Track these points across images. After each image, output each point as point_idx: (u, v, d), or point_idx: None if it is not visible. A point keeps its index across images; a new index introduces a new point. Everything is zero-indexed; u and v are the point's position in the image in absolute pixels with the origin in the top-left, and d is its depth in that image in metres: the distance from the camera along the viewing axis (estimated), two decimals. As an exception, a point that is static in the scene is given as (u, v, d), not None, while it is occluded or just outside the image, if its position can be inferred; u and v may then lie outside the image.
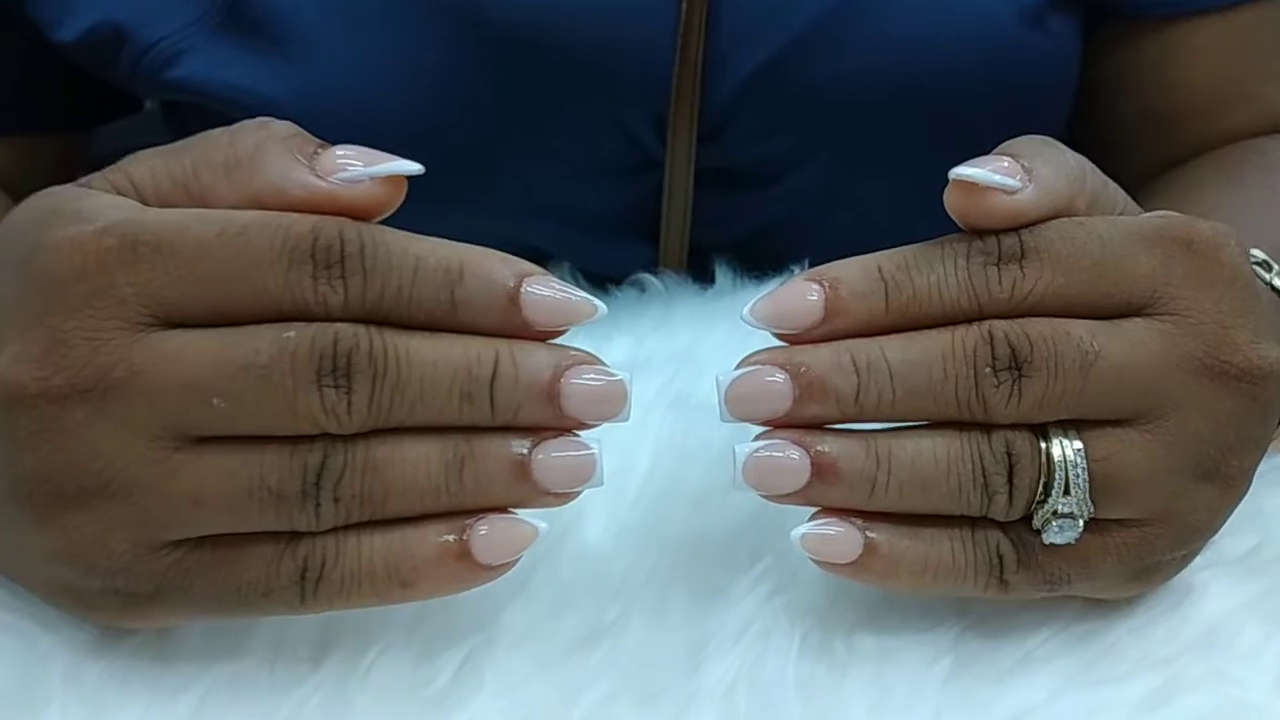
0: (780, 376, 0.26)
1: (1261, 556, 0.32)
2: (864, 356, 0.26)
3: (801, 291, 0.27)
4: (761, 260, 0.45)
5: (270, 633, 0.28)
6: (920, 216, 0.29)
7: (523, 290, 0.25)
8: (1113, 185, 0.29)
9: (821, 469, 0.26)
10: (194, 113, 0.44)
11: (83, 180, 0.27)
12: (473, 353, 0.25)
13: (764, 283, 0.44)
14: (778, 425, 0.27)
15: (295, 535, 0.25)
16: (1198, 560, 0.30)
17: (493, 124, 0.42)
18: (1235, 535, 0.32)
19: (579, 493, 0.26)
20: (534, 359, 0.25)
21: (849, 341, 0.27)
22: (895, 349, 0.26)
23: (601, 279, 0.46)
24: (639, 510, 0.32)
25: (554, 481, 0.26)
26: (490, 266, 0.25)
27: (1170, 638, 0.29)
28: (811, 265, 0.41)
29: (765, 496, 0.27)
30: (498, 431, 0.26)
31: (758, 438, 0.27)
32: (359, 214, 0.25)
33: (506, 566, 0.26)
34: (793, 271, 0.43)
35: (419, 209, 0.27)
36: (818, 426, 0.27)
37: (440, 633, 0.28)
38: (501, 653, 0.28)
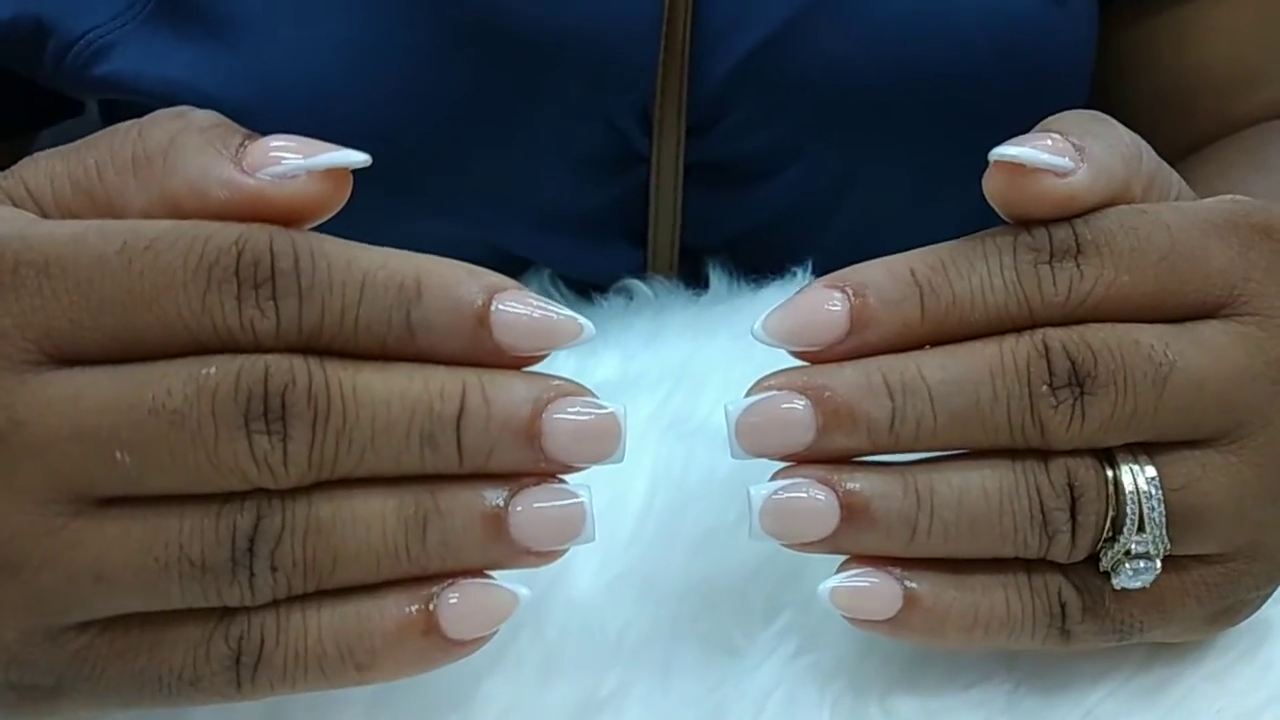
0: (800, 403, 0.23)
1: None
2: (899, 377, 0.22)
3: (822, 301, 0.23)
4: (758, 262, 0.41)
5: (208, 717, 0.24)
6: (932, 210, 0.25)
7: (493, 309, 0.21)
8: (1167, 168, 0.26)
9: (853, 511, 0.22)
10: (132, 113, 0.39)
11: None
12: (435, 387, 0.21)
13: (762, 286, 0.40)
14: (799, 460, 0.23)
15: (227, 611, 0.21)
16: (1275, 594, 0.26)
17: (464, 116, 0.38)
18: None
19: (564, 550, 0.22)
20: (510, 391, 0.21)
21: (880, 359, 0.23)
22: (934, 366, 0.22)
23: (586, 286, 0.42)
24: (634, 554, 0.28)
25: (535, 538, 0.22)
26: (454, 281, 0.21)
27: (1252, 687, 0.26)
28: (815, 267, 0.39)
29: (786, 545, 0.23)
30: (467, 480, 0.22)
31: (775, 475, 0.23)
32: (294, 218, 0.21)
33: (481, 641, 0.22)
34: (794, 274, 0.40)
35: (379, 213, 0.23)
36: (845, 460, 0.23)
37: (408, 711, 0.24)
38: (482, 733, 0.24)
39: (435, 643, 0.21)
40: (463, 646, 0.22)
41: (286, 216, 0.21)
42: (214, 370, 0.20)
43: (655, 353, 0.37)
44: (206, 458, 0.20)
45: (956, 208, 0.24)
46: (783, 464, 0.24)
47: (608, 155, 0.40)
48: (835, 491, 0.23)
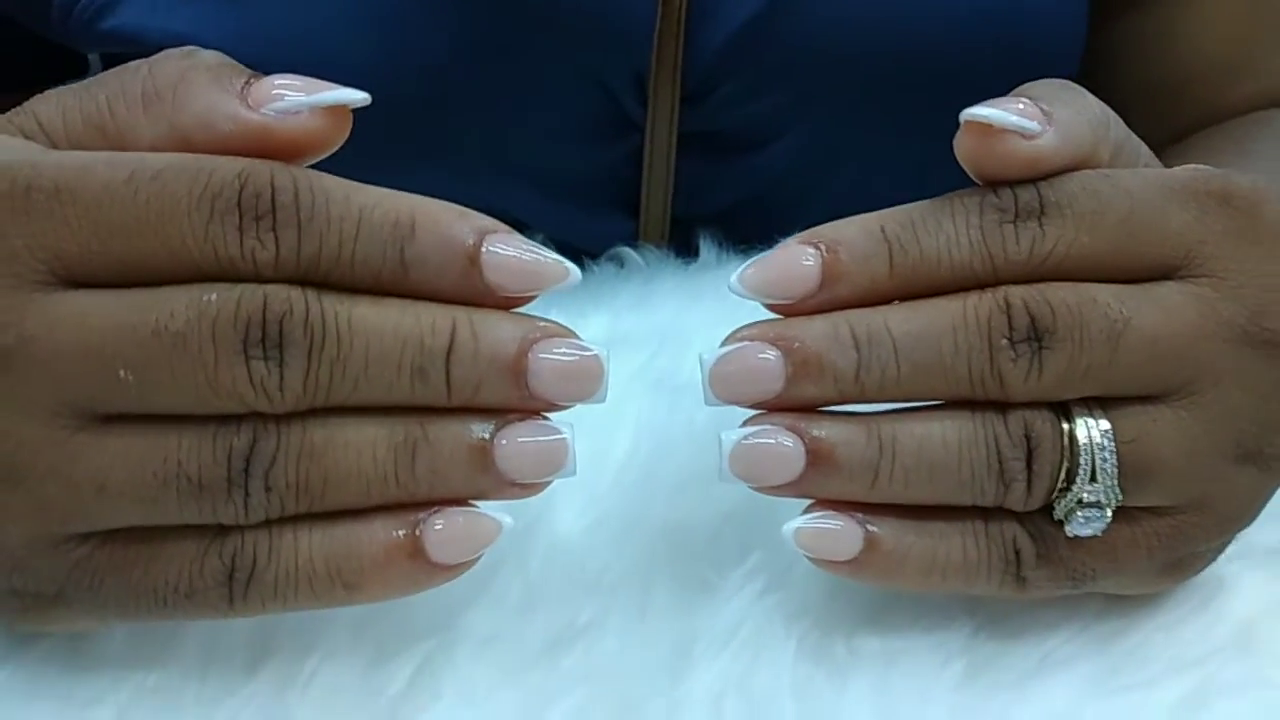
0: (772, 353, 0.24)
1: (1294, 549, 0.29)
2: (865, 329, 0.23)
3: (796, 256, 0.24)
4: (748, 233, 0.42)
5: (200, 636, 0.25)
6: (919, 184, 0.26)
7: (484, 249, 0.22)
8: (1136, 138, 0.27)
9: (818, 457, 0.23)
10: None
11: None
12: (426, 321, 0.22)
13: (750, 256, 0.41)
14: (769, 408, 0.24)
15: (222, 529, 0.22)
16: (1226, 552, 0.28)
17: (463, 74, 0.39)
18: (1265, 525, 0.29)
19: (548, 483, 0.23)
20: (497, 330, 0.22)
21: (848, 312, 0.24)
22: (900, 320, 0.23)
23: (578, 252, 0.43)
24: (616, 499, 0.30)
25: (519, 470, 0.23)
26: (447, 220, 0.22)
27: (1201, 637, 0.27)
28: (804, 233, 0.40)
29: (755, 488, 0.24)
30: (455, 413, 0.23)
31: (746, 422, 0.24)
32: (296, 152, 0.22)
33: (465, 566, 0.23)
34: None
35: (377, 167, 0.24)
36: (813, 409, 0.24)
37: (392, 636, 0.25)
38: (463, 658, 0.25)
39: (420, 566, 0.23)
40: (447, 571, 0.23)
41: (289, 151, 0.22)
42: (215, 297, 0.21)
43: (643, 315, 0.38)
44: (206, 380, 0.21)
45: (944, 181, 0.25)
46: (754, 412, 0.25)
47: (603, 122, 0.41)
48: (802, 438, 0.24)
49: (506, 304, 0.23)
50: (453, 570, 0.23)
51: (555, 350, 0.23)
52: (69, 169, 0.21)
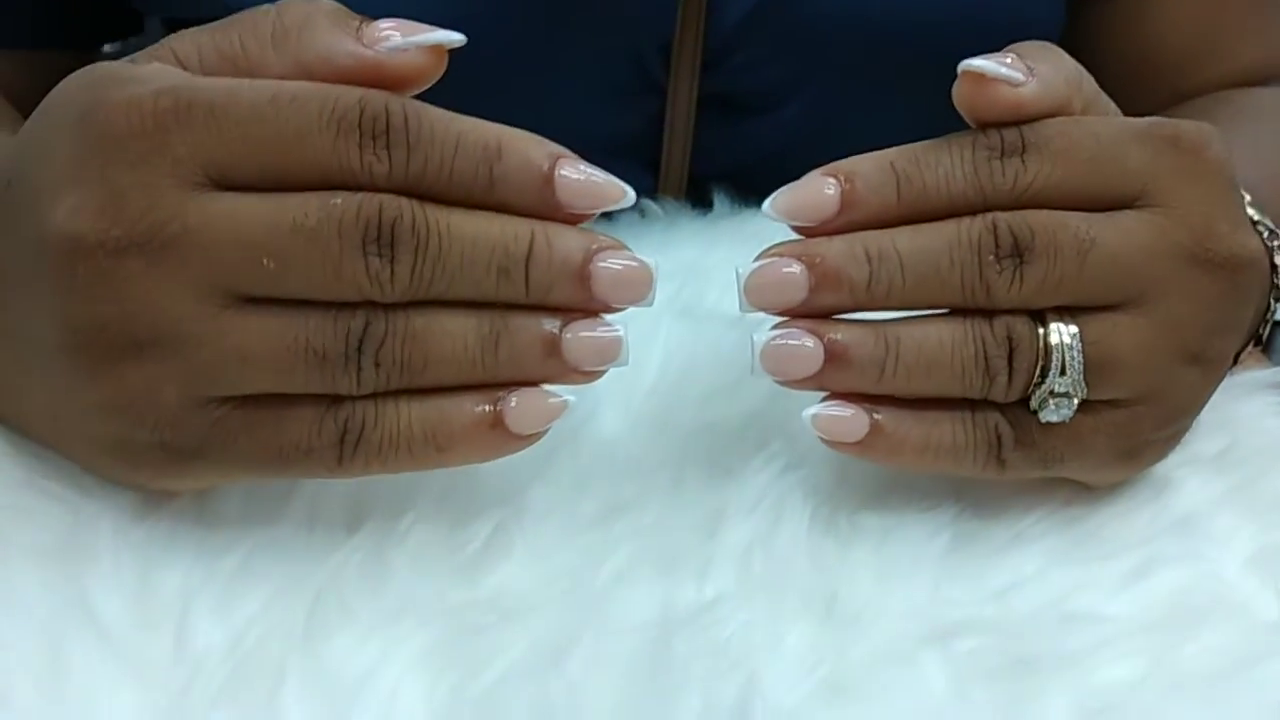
0: (797, 267, 0.28)
1: (1232, 457, 0.34)
2: (876, 247, 0.28)
3: (819, 186, 0.28)
4: (759, 189, 0.46)
5: (306, 500, 0.29)
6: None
7: (557, 171, 0.26)
8: (1105, 96, 0.31)
9: (834, 355, 0.28)
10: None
11: (126, 59, 0.27)
12: (510, 231, 0.26)
13: (759, 208, 0.45)
14: (793, 315, 0.28)
15: (336, 399, 0.26)
16: (1174, 458, 0.32)
17: (503, 42, 0.43)
18: (1208, 438, 0.34)
19: (605, 370, 0.28)
20: (567, 241, 0.27)
21: (862, 234, 0.28)
22: (905, 239, 0.28)
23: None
24: (651, 404, 0.34)
25: (582, 359, 0.27)
26: (527, 146, 0.26)
27: (1150, 522, 0.31)
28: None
29: (780, 382, 0.29)
30: (531, 310, 0.27)
31: (774, 327, 0.29)
32: (404, 83, 0.26)
33: (536, 437, 0.28)
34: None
35: None
36: (829, 316, 0.28)
37: (469, 504, 0.30)
38: (529, 524, 0.30)
39: (500, 434, 0.27)
40: (521, 440, 0.27)
41: (397, 83, 0.26)
42: (340, 201, 0.25)
43: (666, 255, 0.41)
44: (332, 269, 0.25)
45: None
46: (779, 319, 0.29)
47: (630, 86, 0.45)
48: (821, 339, 0.28)
49: (573, 219, 0.27)
50: (525, 440, 0.27)
51: (614, 259, 0.27)
52: (221, 90, 0.25)
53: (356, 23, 0.27)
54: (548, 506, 0.30)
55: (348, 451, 0.26)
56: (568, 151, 0.27)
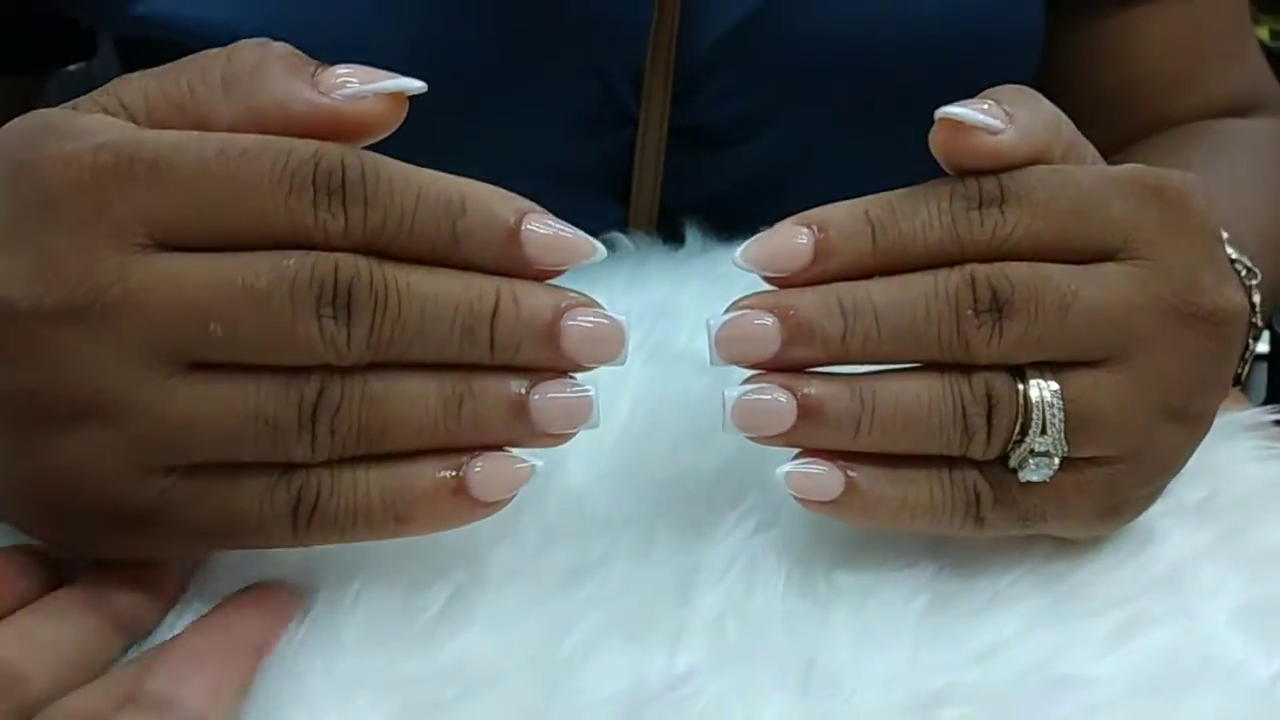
0: (769, 320, 0.27)
1: (1215, 504, 0.33)
2: (850, 299, 0.27)
3: (790, 235, 0.27)
4: (731, 222, 0.45)
5: (255, 566, 0.28)
6: (888, 178, 0.29)
7: (524, 226, 0.25)
8: (1084, 140, 0.30)
9: (808, 411, 0.27)
10: (155, 51, 0.43)
11: (69, 104, 0.26)
12: (474, 289, 0.25)
13: (734, 244, 0.44)
14: (765, 368, 0.27)
15: (290, 467, 0.25)
16: (1157, 508, 0.31)
17: (476, 67, 0.42)
18: (1191, 485, 0.33)
19: (574, 433, 0.27)
20: (535, 298, 0.26)
21: (836, 285, 0.27)
22: (880, 291, 0.27)
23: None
24: (620, 454, 0.33)
25: (551, 422, 0.26)
26: (492, 200, 0.25)
27: (1134, 578, 0.30)
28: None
29: (752, 438, 0.28)
30: (496, 371, 0.26)
31: (745, 381, 0.28)
32: (362, 131, 0.25)
33: (502, 503, 0.26)
34: (765, 230, 0.44)
35: (375, 149, 0.27)
36: (803, 370, 0.27)
37: (426, 567, 0.28)
38: (490, 588, 0.28)
39: (463, 501, 0.26)
40: (486, 507, 0.26)
41: (355, 131, 0.25)
42: (292, 262, 0.24)
43: (637, 294, 0.41)
44: (284, 334, 0.24)
45: (910, 174, 0.28)
46: (753, 372, 0.28)
47: (600, 114, 0.44)
48: (794, 394, 0.27)
49: (541, 276, 0.26)
50: (491, 506, 0.26)
51: (584, 318, 0.26)
52: (165, 144, 0.24)
53: (312, 68, 0.26)
54: (510, 568, 0.29)
55: (302, 522, 0.25)
56: (534, 205, 0.26)
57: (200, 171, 0.24)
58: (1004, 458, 0.28)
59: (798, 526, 0.30)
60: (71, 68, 0.54)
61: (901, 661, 0.28)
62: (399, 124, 0.26)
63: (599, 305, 0.26)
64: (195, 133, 0.24)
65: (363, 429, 0.25)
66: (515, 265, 0.25)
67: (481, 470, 0.26)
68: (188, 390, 0.24)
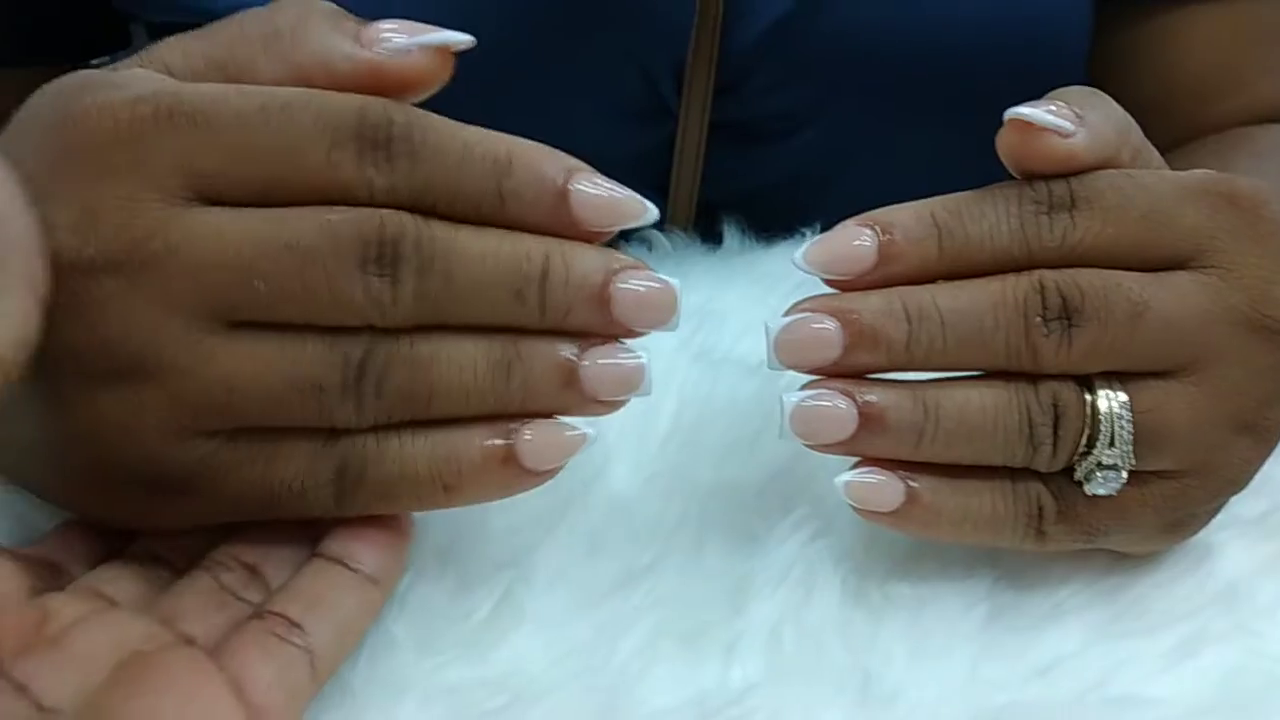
0: (830, 324, 0.26)
1: (1274, 519, 0.32)
2: (915, 304, 0.26)
3: (854, 236, 0.27)
4: (769, 220, 0.44)
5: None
6: (931, 176, 0.29)
7: (572, 185, 0.24)
8: (1150, 145, 0.30)
9: (869, 419, 0.26)
10: None
11: (108, 67, 0.25)
12: (522, 249, 0.24)
13: (773, 245, 0.44)
14: (826, 373, 0.27)
15: (334, 433, 0.24)
16: (1214, 522, 0.31)
17: (513, 53, 0.41)
18: (1249, 499, 0.32)
19: (626, 401, 0.26)
20: (586, 260, 0.25)
21: (900, 289, 0.26)
22: (946, 297, 0.26)
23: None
24: (666, 460, 0.32)
25: (602, 388, 0.25)
26: (540, 159, 0.24)
27: (1193, 594, 0.30)
28: (822, 228, 0.42)
29: (810, 445, 0.27)
30: (546, 335, 0.25)
31: (805, 386, 0.27)
32: (407, 87, 0.24)
33: (552, 472, 0.25)
34: (803, 235, 0.43)
35: None
36: (863, 376, 0.27)
37: (473, 568, 0.28)
38: (540, 593, 0.28)
39: (513, 470, 0.25)
40: (536, 476, 0.25)
41: (398, 87, 0.24)
42: (336, 218, 0.23)
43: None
44: (329, 291, 0.23)
45: (953, 173, 0.28)
46: (808, 377, 0.27)
47: (641, 108, 0.44)
48: (855, 401, 0.26)
49: (590, 237, 0.25)
50: (541, 476, 0.25)
51: (635, 280, 0.25)
52: (205, 96, 0.23)
53: (353, 23, 0.25)
54: (558, 571, 0.28)
55: (346, 490, 0.24)
56: (583, 164, 0.25)
57: (240, 123, 0.23)
58: (1068, 470, 0.27)
59: (851, 533, 0.30)
60: (94, 61, 0.54)
61: (960, 675, 0.27)
62: (444, 81, 0.25)
63: (648, 267, 0.25)
64: (236, 85, 0.24)
65: (409, 393, 0.24)
66: (564, 226, 0.24)
67: (532, 438, 0.25)
68: (229, 349, 0.23)
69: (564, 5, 0.41)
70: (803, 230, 0.43)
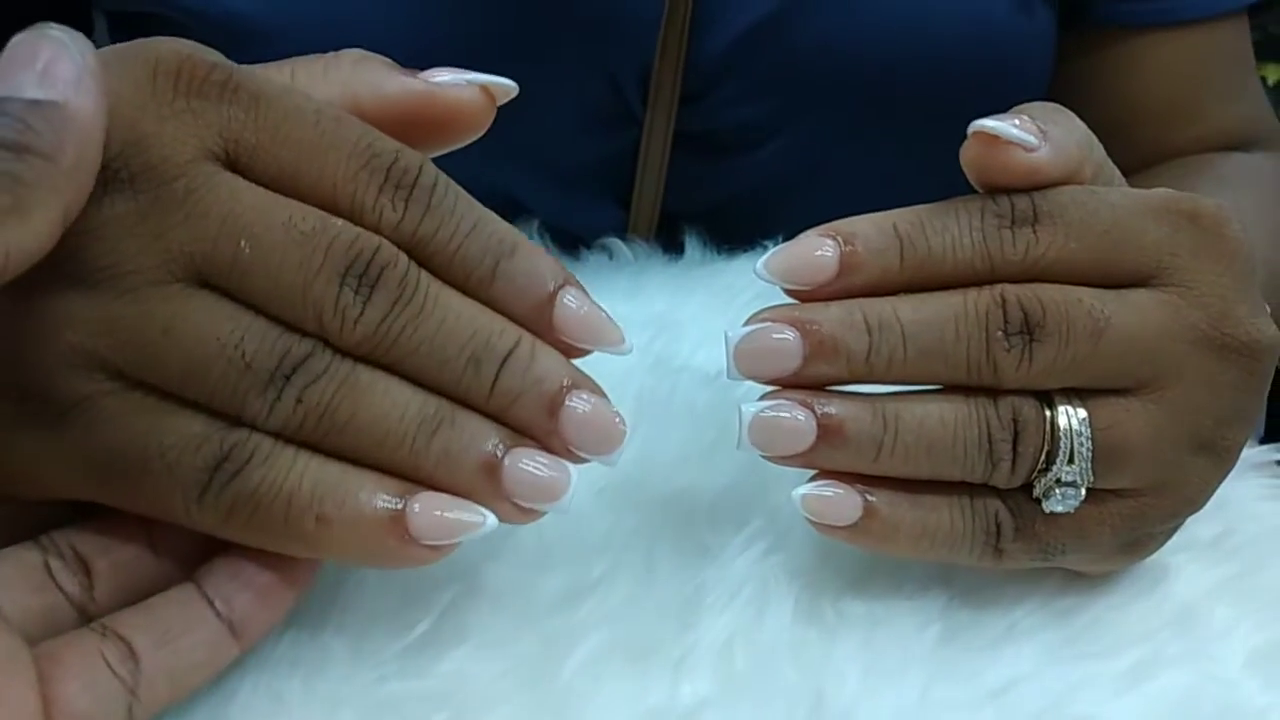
0: (790, 334, 0.26)
1: (1230, 542, 0.32)
2: (876, 315, 0.26)
3: (815, 246, 0.26)
4: (731, 232, 0.44)
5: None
6: (896, 194, 0.28)
7: (563, 293, 0.25)
8: (1110, 162, 0.29)
9: (828, 431, 0.26)
10: (151, 25, 0.41)
11: None
12: (498, 325, 0.24)
13: (734, 257, 0.44)
14: (785, 384, 0.26)
15: (235, 424, 0.23)
16: (1170, 544, 0.30)
17: (480, 59, 0.40)
18: (1204, 522, 0.32)
19: (540, 514, 0.25)
20: (552, 362, 0.25)
21: (861, 300, 0.26)
22: (908, 309, 0.26)
23: (571, 239, 0.45)
24: (620, 469, 0.31)
25: (520, 490, 0.24)
26: (543, 259, 0.25)
27: (1147, 616, 0.30)
28: (784, 240, 0.42)
29: (768, 457, 0.26)
30: (486, 417, 0.24)
31: (763, 397, 0.26)
32: (453, 118, 0.25)
33: (440, 550, 0.24)
34: (765, 246, 0.43)
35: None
36: (823, 388, 0.26)
37: (416, 582, 0.27)
38: (485, 606, 0.27)
39: (394, 530, 0.23)
40: (415, 548, 0.23)
41: (447, 116, 0.25)
42: (341, 224, 0.23)
43: (637, 304, 0.40)
44: (302, 281, 0.23)
45: (917, 196, 0.27)
46: (766, 388, 0.27)
47: (606, 115, 0.43)
48: (814, 413, 0.26)
49: (561, 348, 0.25)
50: (419, 550, 0.24)
51: (591, 400, 0.25)
52: (273, 84, 0.24)
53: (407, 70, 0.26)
54: (505, 585, 0.28)
55: (215, 484, 0.23)
56: (577, 280, 0.25)
57: (294, 116, 0.24)
58: (1027, 487, 0.27)
59: (805, 551, 0.29)
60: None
61: (914, 696, 0.26)
62: (485, 125, 0.26)
63: (609, 402, 0.25)
64: (303, 91, 0.24)
65: (328, 411, 0.23)
66: (543, 325, 0.25)
67: (425, 506, 0.23)
68: (185, 300, 0.23)
69: (529, 11, 0.40)
70: (764, 243, 0.43)
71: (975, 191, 0.27)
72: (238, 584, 0.24)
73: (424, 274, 0.24)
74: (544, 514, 0.25)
